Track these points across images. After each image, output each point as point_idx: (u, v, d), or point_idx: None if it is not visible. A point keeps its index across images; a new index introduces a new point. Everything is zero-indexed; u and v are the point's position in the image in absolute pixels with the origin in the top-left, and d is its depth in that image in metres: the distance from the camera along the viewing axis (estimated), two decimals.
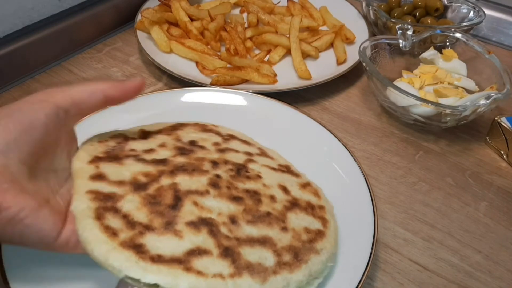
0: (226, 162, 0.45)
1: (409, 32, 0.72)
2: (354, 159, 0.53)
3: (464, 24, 0.81)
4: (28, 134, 0.34)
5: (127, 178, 0.39)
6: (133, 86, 0.41)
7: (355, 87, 0.76)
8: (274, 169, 0.48)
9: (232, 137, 0.50)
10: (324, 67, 0.76)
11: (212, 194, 0.41)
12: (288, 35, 0.77)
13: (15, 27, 0.70)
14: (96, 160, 0.40)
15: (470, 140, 0.67)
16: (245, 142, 0.51)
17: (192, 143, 0.47)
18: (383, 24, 0.82)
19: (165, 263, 0.34)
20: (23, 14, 0.70)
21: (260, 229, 0.40)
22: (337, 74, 0.72)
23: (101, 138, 0.44)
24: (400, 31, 0.72)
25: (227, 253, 0.36)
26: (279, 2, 0.88)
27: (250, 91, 0.63)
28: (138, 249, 0.34)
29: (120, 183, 0.39)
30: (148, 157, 0.43)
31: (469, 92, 0.68)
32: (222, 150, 0.47)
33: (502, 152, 0.64)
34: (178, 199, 0.39)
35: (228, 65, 0.73)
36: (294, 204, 0.44)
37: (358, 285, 0.41)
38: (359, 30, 0.83)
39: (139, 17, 0.79)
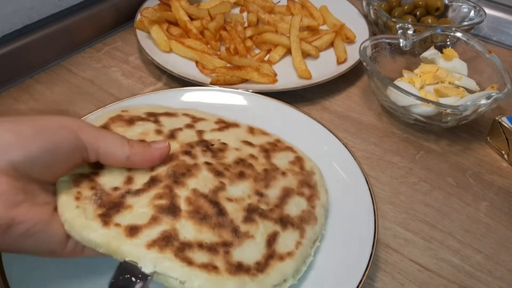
0: (191, 145, 0.46)
1: (410, 32, 0.72)
2: (355, 159, 0.53)
3: (465, 23, 0.81)
4: (48, 155, 0.35)
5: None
6: (158, 155, 0.41)
7: (356, 87, 0.76)
8: (220, 129, 0.51)
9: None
10: (324, 67, 0.75)
11: (228, 183, 0.43)
12: (288, 35, 0.77)
13: (15, 27, 0.70)
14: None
15: (471, 140, 0.67)
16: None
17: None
18: (383, 23, 0.82)
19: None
20: (22, 14, 0.70)
21: (276, 187, 0.45)
22: (337, 73, 0.72)
23: None
24: (401, 31, 0.72)
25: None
26: (279, 2, 0.88)
27: (250, 90, 0.63)
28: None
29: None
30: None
31: (470, 91, 0.68)
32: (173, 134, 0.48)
33: (503, 152, 0.64)
34: (216, 204, 0.41)
35: (228, 65, 0.72)
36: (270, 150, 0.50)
37: (358, 285, 0.41)
38: (360, 29, 0.83)
39: (138, 17, 0.79)
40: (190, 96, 0.61)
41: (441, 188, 0.59)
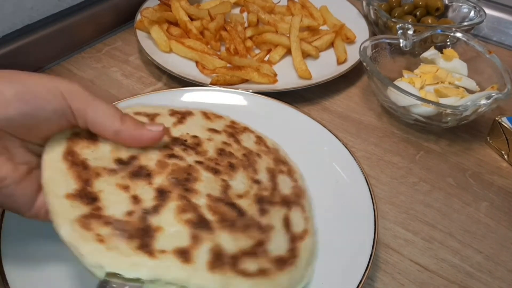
0: (168, 147, 0.44)
1: (410, 32, 0.72)
2: (355, 159, 0.53)
3: (465, 23, 0.81)
4: (27, 118, 0.35)
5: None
6: (148, 138, 0.40)
7: (356, 87, 0.76)
8: (180, 122, 0.49)
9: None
10: (324, 67, 0.75)
11: (228, 179, 0.43)
12: (288, 35, 0.77)
13: (15, 27, 0.70)
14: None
15: (471, 140, 0.67)
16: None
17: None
18: (383, 23, 0.82)
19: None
20: (22, 14, 0.70)
21: (262, 170, 0.46)
22: (337, 73, 0.72)
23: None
24: (401, 31, 0.72)
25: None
26: (279, 2, 0.88)
27: (250, 90, 0.63)
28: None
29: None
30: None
31: (470, 92, 0.68)
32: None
33: (503, 152, 0.64)
34: (232, 206, 0.41)
35: (228, 65, 0.72)
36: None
37: (358, 286, 0.41)
38: (360, 29, 0.83)
39: (138, 17, 0.79)
40: (190, 96, 0.61)
41: (441, 188, 0.59)
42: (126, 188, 0.38)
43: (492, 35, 0.91)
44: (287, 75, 0.73)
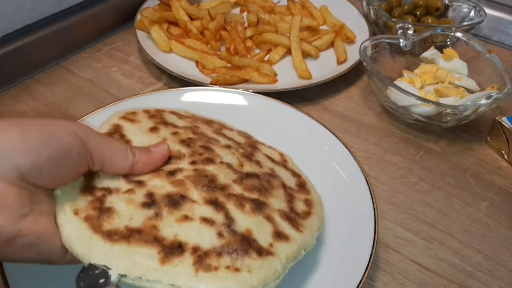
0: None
1: (410, 32, 0.72)
2: (355, 159, 0.53)
3: (465, 23, 0.81)
4: (56, 164, 0.33)
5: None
6: (159, 159, 0.41)
7: (356, 87, 0.76)
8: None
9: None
10: (324, 67, 0.75)
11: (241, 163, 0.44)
12: (288, 35, 0.77)
13: (15, 27, 0.70)
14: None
15: (471, 140, 0.67)
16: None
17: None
18: (383, 23, 0.82)
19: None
20: (22, 14, 0.70)
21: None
22: (337, 73, 0.72)
23: None
24: (401, 31, 0.72)
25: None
26: (279, 2, 0.88)
27: (250, 90, 0.63)
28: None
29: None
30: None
31: (470, 91, 0.68)
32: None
33: (503, 152, 0.64)
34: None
35: (228, 65, 0.72)
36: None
37: (358, 285, 0.41)
38: (360, 29, 0.83)
39: (138, 17, 0.79)
40: (190, 96, 0.61)
41: (441, 188, 0.59)
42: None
43: (492, 35, 0.91)
44: (287, 75, 0.73)
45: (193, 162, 0.42)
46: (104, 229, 0.35)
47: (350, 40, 0.81)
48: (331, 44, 0.80)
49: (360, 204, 0.49)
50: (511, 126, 0.62)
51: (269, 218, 0.40)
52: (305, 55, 0.76)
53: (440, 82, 0.69)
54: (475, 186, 0.60)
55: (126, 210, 0.37)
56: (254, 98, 0.61)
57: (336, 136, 0.56)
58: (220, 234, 0.37)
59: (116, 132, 0.44)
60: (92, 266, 0.33)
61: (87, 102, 0.68)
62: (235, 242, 0.36)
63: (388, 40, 0.72)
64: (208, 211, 0.38)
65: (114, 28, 0.83)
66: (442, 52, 0.73)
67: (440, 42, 0.75)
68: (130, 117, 0.47)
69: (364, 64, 0.66)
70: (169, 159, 0.42)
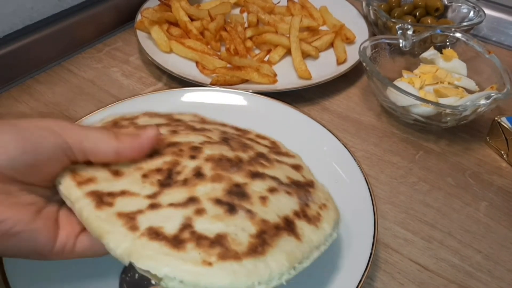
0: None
1: (409, 32, 0.72)
2: (354, 159, 0.53)
3: (464, 24, 0.81)
4: (28, 155, 0.33)
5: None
6: (148, 143, 0.39)
7: (355, 87, 0.76)
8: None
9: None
10: (324, 67, 0.75)
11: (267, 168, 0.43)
12: (288, 35, 0.77)
13: (15, 27, 0.70)
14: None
15: (470, 140, 0.67)
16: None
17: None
18: (383, 24, 0.82)
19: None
20: (23, 14, 0.70)
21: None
22: (337, 74, 0.72)
23: None
24: (400, 31, 0.72)
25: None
26: (279, 2, 0.88)
27: (250, 91, 0.63)
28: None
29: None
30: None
31: (469, 92, 0.68)
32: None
33: (502, 152, 0.64)
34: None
35: (228, 65, 0.72)
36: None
37: (358, 285, 0.41)
38: (359, 30, 0.83)
39: (139, 17, 0.79)
40: (190, 97, 0.61)
41: (441, 188, 0.60)
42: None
43: (492, 35, 0.91)
44: (287, 75, 0.73)
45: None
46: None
47: (349, 41, 0.81)
48: (331, 45, 0.81)
49: (359, 204, 0.49)
50: (510, 126, 0.62)
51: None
52: (305, 55, 0.77)
53: (439, 82, 0.69)
54: (475, 186, 0.60)
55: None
56: (254, 98, 0.61)
57: (336, 136, 0.56)
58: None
59: (114, 126, 0.44)
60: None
61: (87, 102, 0.68)
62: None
63: (387, 41, 0.72)
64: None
65: (115, 29, 0.83)
66: (441, 53, 0.73)
67: (440, 43, 0.75)
68: (129, 117, 0.47)
69: (364, 64, 0.66)
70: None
